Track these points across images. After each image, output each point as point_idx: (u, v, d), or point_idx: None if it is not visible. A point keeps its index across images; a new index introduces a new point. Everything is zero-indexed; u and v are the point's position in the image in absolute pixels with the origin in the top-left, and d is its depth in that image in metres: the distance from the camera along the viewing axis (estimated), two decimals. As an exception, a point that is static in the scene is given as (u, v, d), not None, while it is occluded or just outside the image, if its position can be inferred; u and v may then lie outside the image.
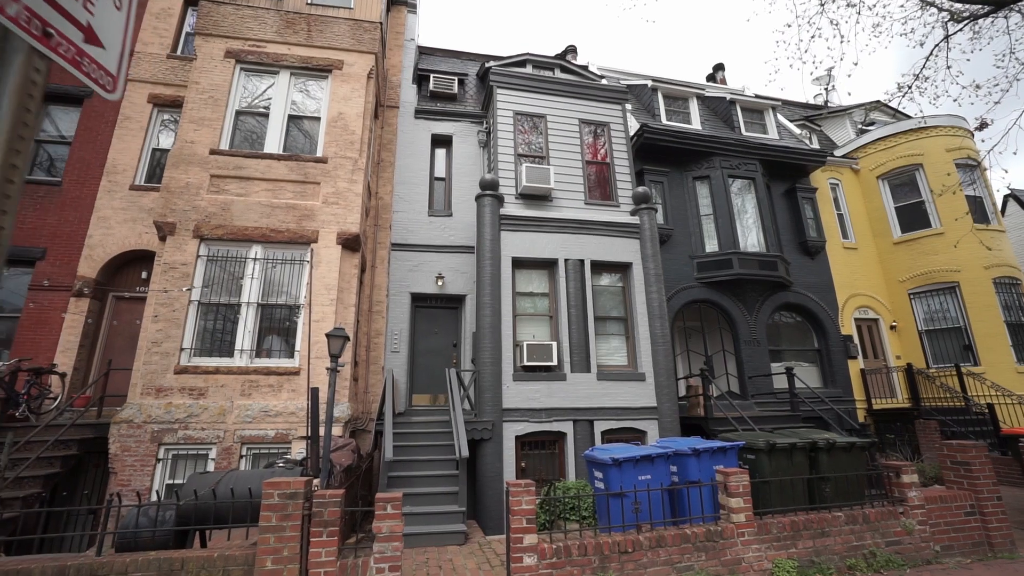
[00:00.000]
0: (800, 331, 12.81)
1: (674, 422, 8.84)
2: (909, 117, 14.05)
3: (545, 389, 8.51)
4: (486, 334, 8.40)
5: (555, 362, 8.55)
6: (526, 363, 8.41)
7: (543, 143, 10.27)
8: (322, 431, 6.84)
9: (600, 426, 8.59)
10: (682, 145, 12.23)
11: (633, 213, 10.07)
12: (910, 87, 8.33)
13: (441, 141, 11.19)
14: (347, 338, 5.49)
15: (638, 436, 8.87)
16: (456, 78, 12.06)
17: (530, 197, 9.64)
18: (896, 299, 13.13)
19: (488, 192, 9.17)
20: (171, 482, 6.63)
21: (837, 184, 14.19)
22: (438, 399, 9.53)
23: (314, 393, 4.49)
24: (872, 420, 11.93)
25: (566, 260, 9.36)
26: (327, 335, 5.34)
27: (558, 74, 11.67)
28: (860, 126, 15.40)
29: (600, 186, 10.43)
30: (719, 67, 17.44)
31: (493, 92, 10.41)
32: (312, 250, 7.96)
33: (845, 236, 13.74)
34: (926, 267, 12.59)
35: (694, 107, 13.50)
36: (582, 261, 9.44)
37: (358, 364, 8.97)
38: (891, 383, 12.52)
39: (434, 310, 10.08)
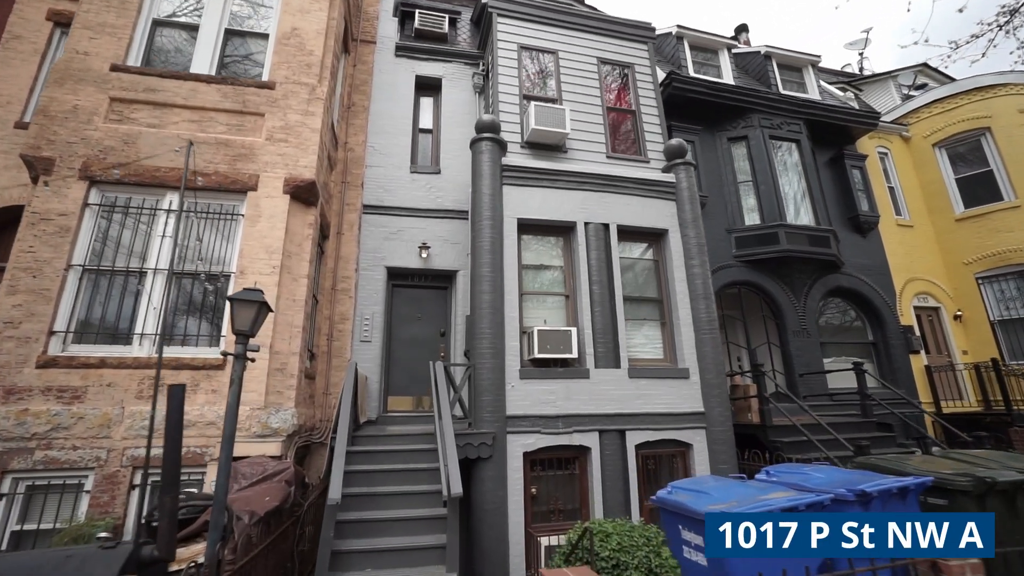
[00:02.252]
0: (849, 321, 10.90)
1: (727, 432, 6.83)
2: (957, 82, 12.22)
3: (562, 390, 6.47)
4: (484, 316, 6.34)
5: (574, 354, 6.51)
6: (537, 355, 6.35)
7: (555, 86, 8.25)
8: (248, 449, 4.75)
9: (634, 439, 6.56)
10: (716, 99, 10.27)
11: (667, 170, 8.07)
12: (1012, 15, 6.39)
13: (427, 86, 9.11)
14: (264, 305, 3.41)
15: (681, 451, 6.85)
16: (446, 16, 9.97)
17: (540, 147, 7.60)
18: (960, 284, 11.27)
19: (487, 135, 7.12)
20: (19, 528, 4.49)
21: (886, 154, 12.32)
22: (422, 403, 7.45)
23: (175, 392, 2.43)
24: (938, 427, 10.03)
25: (586, 224, 7.33)
26: (229, 299, 3.28)
27: (571, 1, 9.64)
28: (907, 91, 13.57)
29: (625, 138, 8.42)
30: (742, 28, 15.52)
31: (492, 21, 8.37)
32: (250, 200, 5.86)
33: (898, 212, 11.87)
34: (998, 246, 10.73)
35: (725, 61, 11.56)
36: (606, 226, 7.41)
37: (315, 357, 6.86)
38: (958, 383, 10.64)
39: (417, 290, 8.00)
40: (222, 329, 5.43)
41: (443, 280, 8.07)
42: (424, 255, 7.75)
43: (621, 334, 6.91)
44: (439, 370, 5.75)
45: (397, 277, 7.86)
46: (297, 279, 5.92)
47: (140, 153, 5.70)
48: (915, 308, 11.05)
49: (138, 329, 5.28)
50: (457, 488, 3.84)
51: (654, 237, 7.80)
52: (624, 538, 4.26)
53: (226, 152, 5.98)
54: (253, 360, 3.74)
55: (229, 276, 5.62)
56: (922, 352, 10.66)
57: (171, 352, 5.26)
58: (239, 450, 5.00)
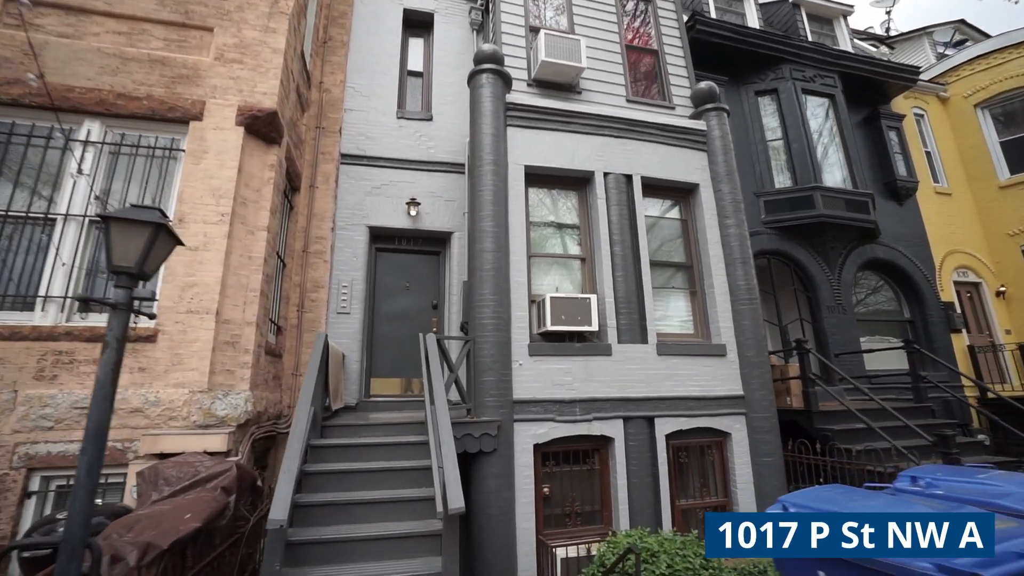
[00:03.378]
0: (882, 296, 9.91)
1: (771, 420, 5.81)
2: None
3: (580, 369, 5.39)
4: (486, 279, 5.22)
5: (593, 326, 5.42)
6: (550, 327, 5.26)
7: (566, 20, 7.03)
8: (185, 444, 3.68)
9: (664, 427, 5.52)
10: (744, 45, 9.09)
11: (696, 116, 6.93)
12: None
13: (417, 23, 7.85)
14: (163, 230, 2.26)
15: (716, 441, 5.83)
16: (439, -54, 8.67)
17: (550, 85, 6.42)
18: (1004, 257, 10.29)
19: (488, 67, 5.93)
20: None
21: (923, 115, 11.24)
22: (411, 386, 6.35)
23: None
24: (979, 415, 9.11)
25: (606, 175, 6.19)
26: (102, 218, 2.14)
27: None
28: (942, 49, 12.46)
29: (646, 81, 7.25)
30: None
31: (493, -59, 7.11)
32: (193, 131, 4.67)
33: (935, 179, 10.83)
34: (1048, 215, 9.75)
35: (751, 8, 10.38)
36: (629, 178, 6.28)
37: (282, 331, 5.73)
38: (1000, 364, 9.72)
39: (405, 255, 6.84)
40: (155, 291, 4.27)
41: (435, 244, 6.92)
42: (413, 213, 6.58)
43: (648, 303, 5.83)
44: (431, 344, 4.63)
45: (381, 239, 6.70)
46: (254, 232, 4.76)
47: (49, 69, 4.46)
48: (954, 283, 10.07)
49: (44, 290, 4.11)
50: (457, 501, 2.72)
51: (683, 193, 6.68)
52: (676, 560, 3.23)
53: (163, 72, 4.76)
54: (152, 317, 2.60)
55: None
56: (963, 331, 9.70)
57: (84, 321, 4.11)
58: (173, 445, 3.90)
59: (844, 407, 6.15)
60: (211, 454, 3.78)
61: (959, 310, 9.78)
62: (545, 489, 5.15)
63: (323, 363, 4.43)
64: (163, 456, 3.78)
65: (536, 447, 5.09)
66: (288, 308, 5.97)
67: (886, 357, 8.76)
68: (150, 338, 4.11)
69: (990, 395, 8.86)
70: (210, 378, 4.15)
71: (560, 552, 4.68)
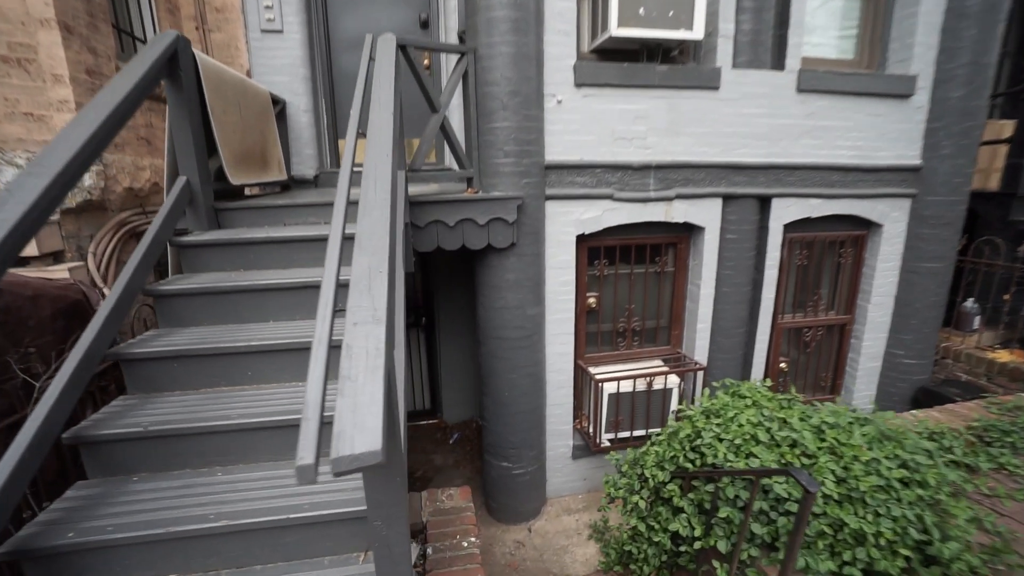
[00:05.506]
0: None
1: (956, 207, 3.65)
2: None
3: (661, 112, 3.13)
4: (496, -78, 2.64)
5: (695, 31, 2.93)
6: (616, 31, 2.83)
7: None
8: None
9: (783, 212, 3.47)
10: None
11: None
12: None
13: None
14: None
15: (857, 236, 3.81)
16: None
17: None
18: None
19: None
20: None
21: None
22: (410, 149, 4.31)
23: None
24: None
25: None
26: None
27: None
28: None
29: None
30: None
31: None
32: None
33: None
34: None
35: None
36: None
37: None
38: None
39: (368, -73, 4.03)
40: None
41: (418, -93, 4.01)
42: None
43: (795, -5, 3.19)
44: (383, 48, 2.37)
45: None
46: None
47: None
48: None
49: None
50: (370, 439, 0.87)
51: None
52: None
53: None
54: None
55: None
56: None
57: None
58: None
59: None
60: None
61: None
62: (591, 300, 3.47)
63: (191, 91, 2.33)
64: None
65: (580, 240, 3.23)
66: (181, 24, 3.66)
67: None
68: None
69: None
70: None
71: (609, 387, 3.22)
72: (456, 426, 4.78)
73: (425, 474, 4.14)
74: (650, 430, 3.40)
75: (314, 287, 1.99)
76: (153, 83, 1.87)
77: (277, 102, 3.59)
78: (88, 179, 2.56)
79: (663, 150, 3.17)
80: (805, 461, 2.05)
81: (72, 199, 2.47)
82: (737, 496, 2.04)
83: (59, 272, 2.27)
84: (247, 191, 3.14)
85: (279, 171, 3.43)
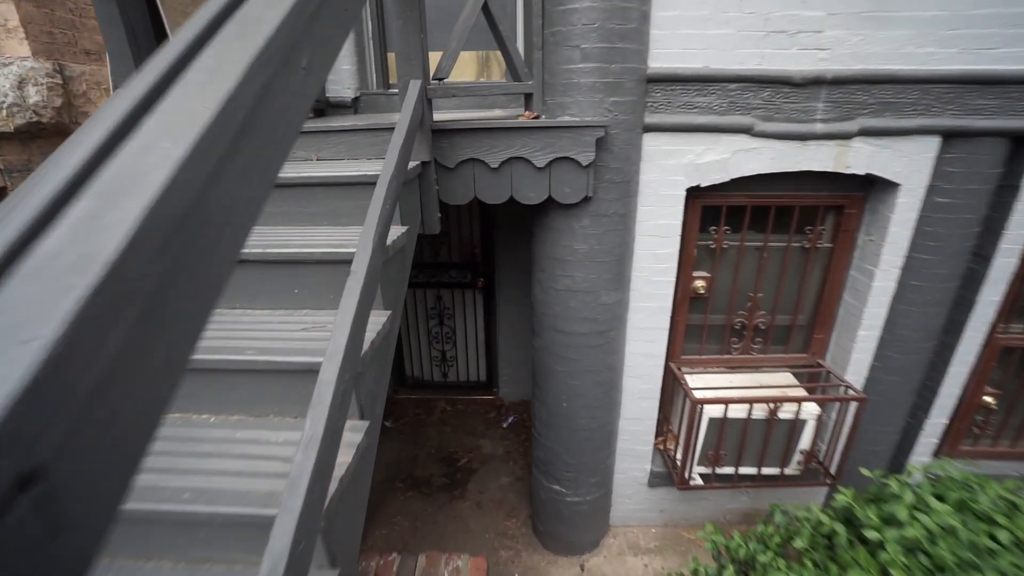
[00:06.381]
0: None
1: None
2: None
3: (859, -16, 1.87)
4: None
5: None
6: None
7: None
8: None
9: (1057, 162, 2.09)
10: None
11: None
12: None
13: None
14: None
15: None
16: None
17: None
18: None
19: None
20: None
21: None
22: (489, 67, 3.38)
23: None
24: None
25: None
26: None
27: None
28: None
29: None
30: None
31: None
32: None
33: None
34: None
35: None
36: None
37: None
38: None
39: None
40: None
41: None
42: None
43: None
44: None
45: None
46: None
47: None
48: None
49: None
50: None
51: None
52: None
53: None
54: None
55: None
56: None
57: None
58: None
59: None
60: None
61: None
62: (699, 282, 2.43)
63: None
64: None
65: (693, 195, 2.16)
66: None
67: None
68: None
69: None
70: None
71: (713, 410, 2.24)
72: (513, 406, 4.09)
73: (469, 463, 3.53)
74: (764, 469, 2.41)
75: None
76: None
77: None
78: (34, 94, 1.98)
79: (850, 52, 1.92)
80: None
81: (10, 121, 1.91)
82: None
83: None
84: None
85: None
